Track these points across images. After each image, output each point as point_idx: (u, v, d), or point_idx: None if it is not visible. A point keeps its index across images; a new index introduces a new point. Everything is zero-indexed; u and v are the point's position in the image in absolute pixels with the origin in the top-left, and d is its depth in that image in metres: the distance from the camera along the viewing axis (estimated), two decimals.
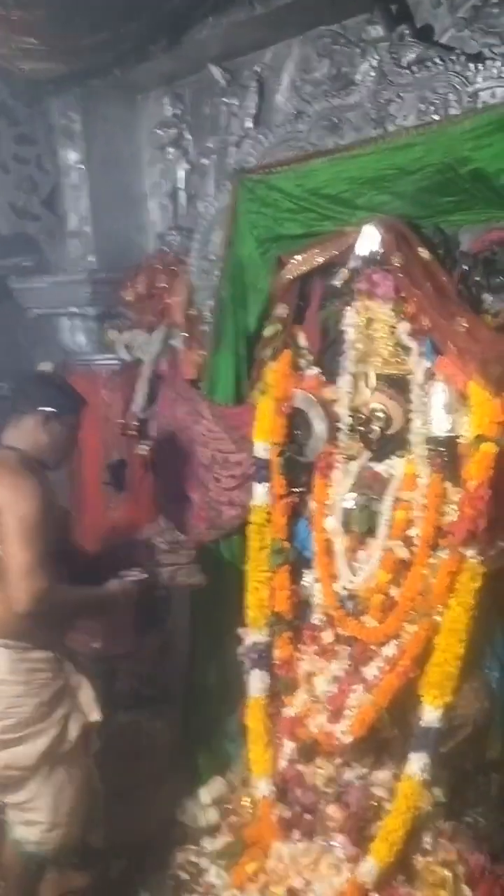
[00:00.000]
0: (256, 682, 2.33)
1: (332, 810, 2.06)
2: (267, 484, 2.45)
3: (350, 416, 2.31)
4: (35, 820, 2.12)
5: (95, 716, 2.17)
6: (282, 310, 2.52)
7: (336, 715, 2.09)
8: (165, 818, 2.45)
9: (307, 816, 2.11)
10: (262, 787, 2.23)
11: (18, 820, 2.15)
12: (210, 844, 2.32)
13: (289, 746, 2.22)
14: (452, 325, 2.04)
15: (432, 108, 2.15)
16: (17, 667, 2.07)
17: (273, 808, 2.18)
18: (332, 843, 2.05)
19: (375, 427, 2.22)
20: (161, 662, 2.77)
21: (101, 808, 2.24)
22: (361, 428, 2.26)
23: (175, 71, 2.93)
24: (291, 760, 2.20)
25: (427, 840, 1.99)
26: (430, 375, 2.14)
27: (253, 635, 2.36)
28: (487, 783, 2.08)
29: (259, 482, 2.46)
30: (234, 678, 2.42)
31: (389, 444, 2.23)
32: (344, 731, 2.05)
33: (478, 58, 2.12)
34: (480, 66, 2.07)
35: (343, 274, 2.31)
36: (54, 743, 2.10)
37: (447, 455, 2.10)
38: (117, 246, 3.16)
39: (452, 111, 2.11)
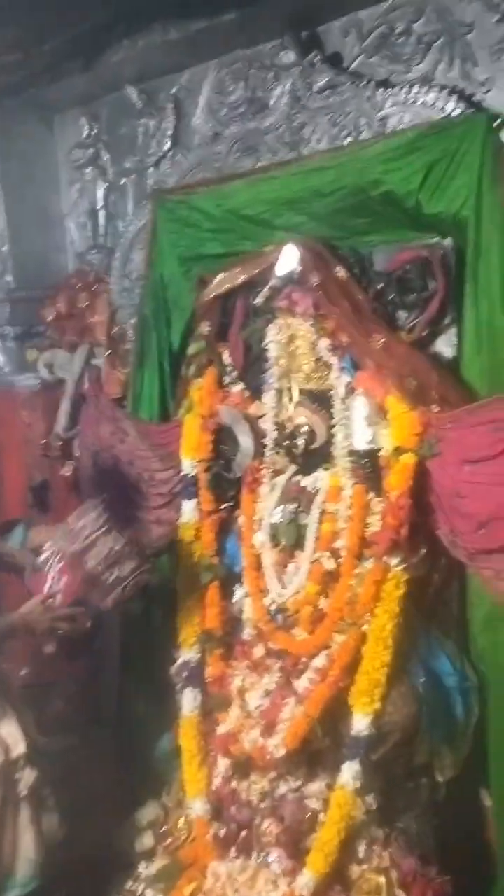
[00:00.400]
0: (189, 701, 2.31)
1: (268, 825, 2.06)
2: (195, 501, 2.45)
3: (275, 431, 2.35)
4: None
5: (20, 748, 2.10)
6: (205, 327, 2.55)
7: (269, 729, 2.10)
8: (101, 845, 2.40)
9: (243, 833, 2.11)
10: (197, 807, 2.21)
11: None
12: (146, 869, 2.28)
13: (223, 764, 2.21)
14: (370, 341, 2.10)
15: (344, 132, 2.24)
16: None
17: (208, 827, 2.17)
18: (268, 858, 2.05)
19: (300, 441, 2.26)
20: (92, 686, 2.72)
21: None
22: (287, 442, 2.30)
23: (91, 91, 2.93)
24: (226, 778, 2.20)
25: (361, 848, 2.01)
26: (350, 390, 2.19)
27: (184, 654, 2.35)
28: (417, 788, 2.12)
29: (187, 499, 2.47)
30: (167, 698, 2.41)
31: (314, 457, 2.27)
32: (277, 745, 2.05)
33: (385, 84, 2.21)
34: (388, 92, 2.16)
35: (264, 292, 2.35)
36: None
37: (369, 467, 2.15)
38: (36, 265, 3.13)
39: (363, 135, 2.20)
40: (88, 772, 2.41)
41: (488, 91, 2.09)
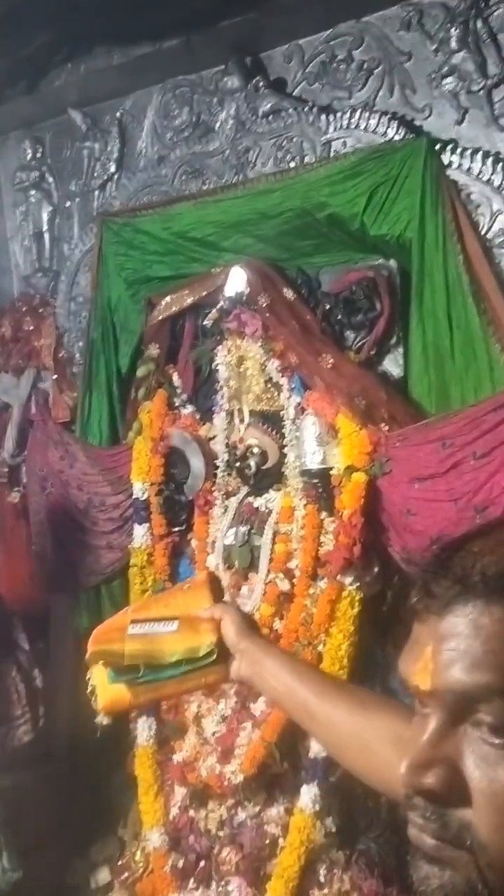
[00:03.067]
0: (144, 730, 2.27)
1: (227, 853, 2.02)
2: (146, 525, 2.42)
3: (226, 452, 2.34)
4: None
5: None
6: (154, 350, 2.53)
7: (226, 755, 2.07)
8: (54, 883, 2.32)
9: (202, 863, 2.07)
10: (154, 839, 2.16)
11: None
12: None
13: (179, 793, 2.17)
14: (319, 361, 2.11)
15: (289, 155, 2.26)
16: None
17: (166, 858, 2.12)
18: (228, 887, 2.01)
19: (252, 462, 2.25)
20: (43, 718, 2.65)
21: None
22: (238, 464, 2.29)
23: (34, 114, 2.92)
24: (183, 807, 2.16)
25: (322, 872, 1.99)
26: (300, 410, 2.20)
27: None
28: (377, 807, 2.11)
29: (138, 523, 2.44)
30: (121, 728, 2.35)
31: (266, 478, 2.27)
32: (234, 771, 2.03)
33: (328, 109, 2.25)
34: (331, 117, 2.19)
35: (213, 314, 2.35)
36: None
37: (321, 486, 2.16)
38: None
39: (308, 159, 2.22)
40: (40, 807, 2.34)
41: (428, 117, 2.14)
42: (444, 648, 0.68)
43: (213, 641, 1.25)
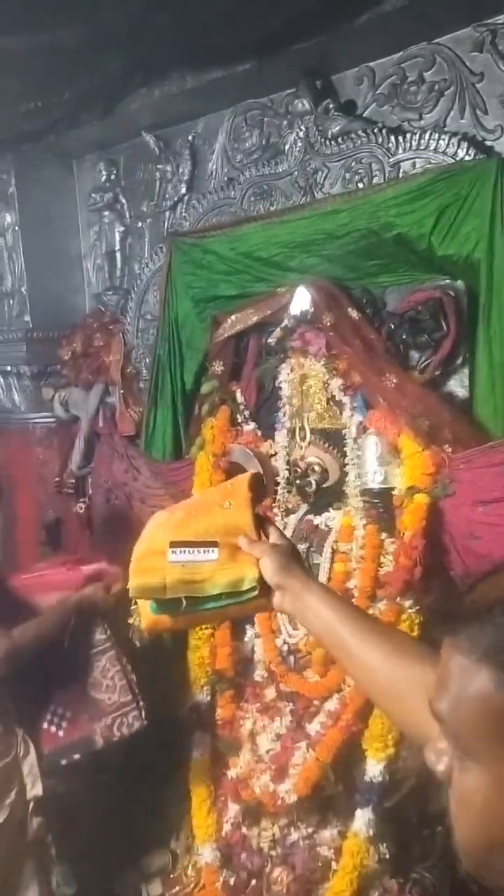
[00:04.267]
0: (199, 744, 2.28)
1: (278, 873, 2.01)
2: None
3: (287, 469, 2.35)
4: None
5: (37, 790, 2.06)
6: (218, 367, 2.57)
7: (280, 774, 2.06)
8: (105, 893, 2.34)
9: (253, 882, 2.06)
10: (207, 854, 2.17)
11: None
12: None
13: (233, 809, 2.17)
14: (382, 380, 2.11)
15: (357, 176, 2.27)
16: None
17: (218, 874, 2.12)
18: None
19: (312, 480, 2.26)
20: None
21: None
22: (298, 481, 2.29)
23: (109, 138, 3.01)
24: (235, 824, 2.16)
25: None
26: (362, 429, 2.19)
27: (194, 695, 2.33)
28: (432, 836, 2.06)
29: None
30: (176, 741, 2.37)
31: (326, 496, 2.27)
32: (288, 791, 2.02)
33: (398, 131, 2.25)
34: (400, 139, 2.20)
35: (277, 332, 2.37)
36: (9, 821, 1.99)
37: (382, 507, 2.15)
38: (53, 306, 3.18)
39: (376, 180, 2.23)
40: (92, 816, 2.37)
41: (499, 138, 2.12)
42: (447, 681, 0.73)
43: (255, 577, 1.23)
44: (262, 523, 1.31)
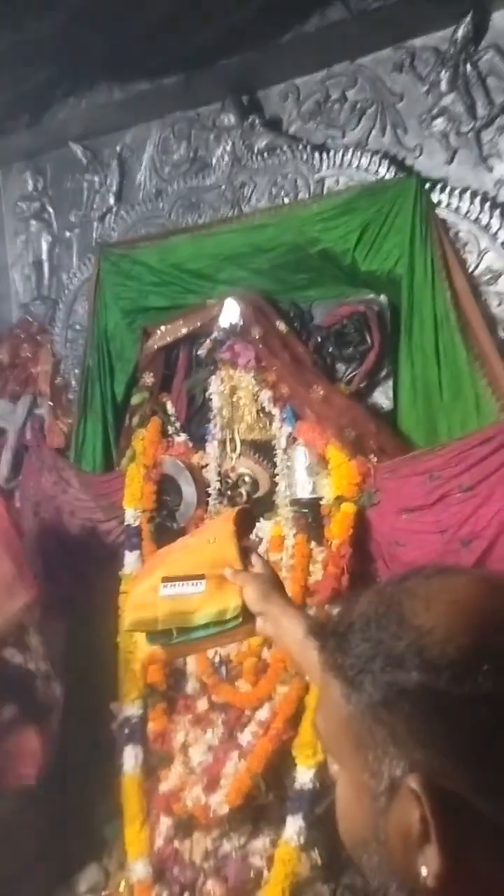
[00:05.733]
0: (130, 759, 2.26)
1: (211, 886, 2.01)
2: (137, 551, 2.43)
3: (218, 480, 2.36)
4: None
5: None
6: (149, 378, 2.57)
7: (212, 785, 2.06)
8: None
9: (186, 895, 2.05)
10: (139, 870, 2.14)
11: None
12: None
13: (165, 823, 2.16)
14: (310, 392, 2.15)
15: (283, 191, 2.31)
16: None
17: (150, 890, 2.11)
18: None
19: (243, 491, 2.28)
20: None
21: None
22: (230, 492, 2.31)
23: (37, 147, 2.98)
24: (168, 838, 2.14)
25: None
26: (291, 440, 2.22)
27: (126, 709, 2.31)
28: None
29: (129, 550, 2.45)
30: (108, 755, 2.35)
31: (257, 507, 2.29)
32: (220, 802, 2.02)
33: (322, 147, 2.30)
34: (325, 155, 2.25)
35: (207, 344, 2.38)
36: None
37: (311, 516, 2.18)
38: None
39: (301, 195, 2.27)
40: (24, 836, 2.32)
41: (418, 156, 2.19)
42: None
43: (238, 605, 1.32)
44: (247, 554, 1.41)
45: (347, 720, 0.70)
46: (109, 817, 2.34)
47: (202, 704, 2.23)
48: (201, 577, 1.37)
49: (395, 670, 0.66)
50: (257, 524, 2.28)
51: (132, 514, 2.46)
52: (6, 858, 2.23)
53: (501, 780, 0.64)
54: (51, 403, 2.85)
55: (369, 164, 2.16)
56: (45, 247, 3.07)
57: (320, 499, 2.16)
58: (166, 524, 2.45)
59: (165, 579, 1.40)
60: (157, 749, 2.25)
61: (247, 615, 1.33)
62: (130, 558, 2.44)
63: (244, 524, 1.51)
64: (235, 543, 1.42)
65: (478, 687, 0.63)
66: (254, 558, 1.41)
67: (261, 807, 2.06)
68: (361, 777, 0.69)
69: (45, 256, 3.08)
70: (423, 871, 0.64)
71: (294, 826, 1.96)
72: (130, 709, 2.30)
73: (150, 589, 1.41)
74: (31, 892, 2.30)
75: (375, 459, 2.06)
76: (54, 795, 2.53)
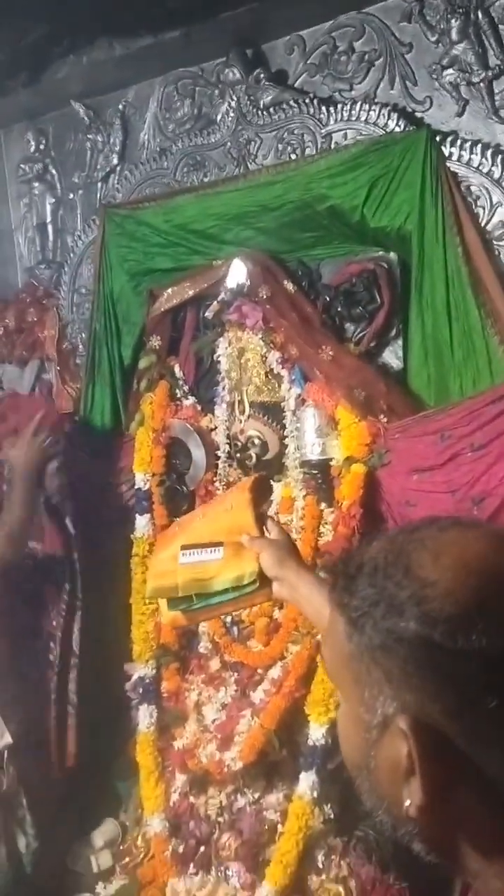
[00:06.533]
0: (145, 717, 2.29)
1: (226, 839, 2.05)
2: (148, 515, 2.44)
3: (227, 443, 2.36)
4: None
5: (6, 739, 2.17)
6: (156, 341, 2.55)
7: (226, 742, 2.10)
8: (57, 867, 2.35)
9: (202, 849, 2.10)
10: (155, 824, 2.19)
11: None
12: (105, 889, 2.25)
13: (180, 779, 2.20)
14: (318, 353, 2.13)
15: (289, 147, 2.26)
16: None
17: (167, 844, 2.15)
18: (227, 872, 2.04)
19: (252, 453, 2.27)
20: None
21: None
22: (239, 455, 2.31)
23: (37, 107, 2.92)
24: (183, 793, 2.18)
25: (320, 858, 2.01)
26: (300, 402, 2.21)
27: (139, 669, 2.34)
28: None
29: (140, 513, 2.46)
30: (122, 714, 2.38)
31: (266, 469, 2.28)
32: (234, 758, 2.05)
33: (329, 101, 2.25)
34: (332, 109, 2.19)
35: (214, 306, 2.36)
36: None
37: (321, 478, 2.17)
38: None
39: (308, 151, 2.23)
40: (42, 793, 2.37)
41: (428, 109, 2.14)
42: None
43: (255, 570, 1.37)
44: (263, 521, 1.45)
45: (348, 657, 0.74)
46: (125, 774, 2.39)
47: (215, 664, 2.25)
48: (219, 544, 1.41)
49: (395, 618, 0.69)
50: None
51: (142, 478, 2.46)
52: (46, 795, 2.30)
53: (484, 730, 0.67)
54: (58, 368, 2.84)
55: (378, 118, 2.11)
56: (48, 209, 3.03)
57: (330, 460, 2.15)
58: (176, 487, 2.45)
59: (184, 547, 1.45)
60: (171, 707, 2.28)
61: (263, 580, 1.37)
62: (141, 522, 2.45)
63: (260, 492, 1.55)
64: (252, 511, 1.46)
65: (470, 643, 0.66)
66: (269, 525, 1.45)
67: (274, 763, 2.10)
68: (358, 710, 0.74)
69: (49, 219, 3.04)
70: (407, 802, 0.69)
71: (307, 781, 1.99)
72: (144, 669, 2.33)
73: (171, 557, 1.46)
74: (49, 848, 2.36)
75: (386, 420, 2.05)
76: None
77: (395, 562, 0.72)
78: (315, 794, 1.99)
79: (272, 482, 2.25)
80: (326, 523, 2.14)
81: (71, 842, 2.36)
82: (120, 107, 2.76)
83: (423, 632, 0.67)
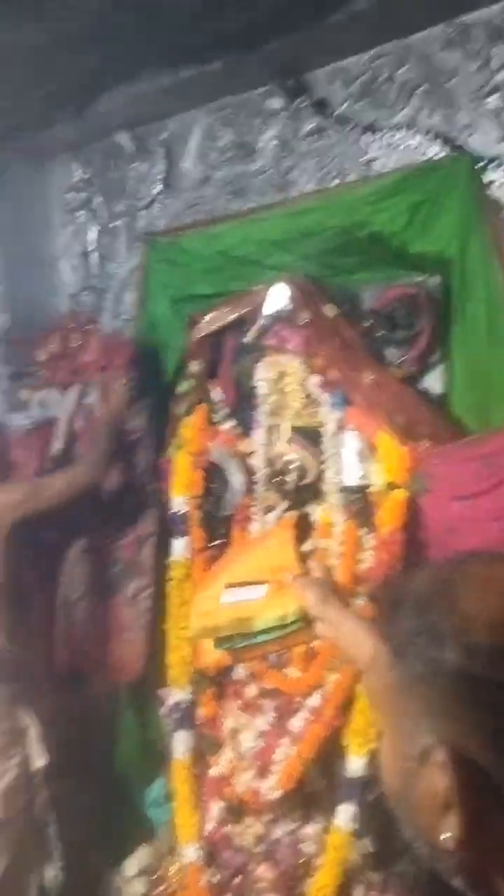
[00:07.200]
0: (180, 743, 2.27)
1: (262, 870, 2.02)
2: (185, 538, 2.44)
3: (266, 467, 2.35)
4: None
5: (42, 760, 2.20)
6: (195, 366, 2.56)
7: (263, 771, 2.07)
8: (91, 893, 2.34)
9: (237, 879, 2.06)
10: (190, 853, 2.16)
11: None
12: None
13: (216, 807, 2.17)
14: (360, 377, 2.12)
15: (330, 174, 2.29)
16: None
17: (201, 873, 2.12)
18: None
19: (290, 478, 2.26)
20: (82, 729, 2.67)
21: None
22: (277, 479, 2.30)
23: (82, 137, 2.99)
24: (219, 822, 2.15)
25: (357, 893, 1.96)
26: (340, 426, 2.20)
27: (175, 694, 2.32)
28: None
29: (177, 537, 2.46)
30: (157, 741, 2.37)
31: (305, 493, 2.27)
32: (271, 787, 2.02)
33: (371, 128, 2.27)
34: (373, 137, 2.21)
35: (254, 331, 2.37)
36: (14, 787, 2.12)
37: (360, 503, 2.15)
38: (29, 306, 3.15)
39: (349, 177, 2.24)
40: (79, 816, 2.36)
41: (470, 135, 2.14)
42: None
43: (297, 609, 1.35)
44: (304, 560, 1.48)
45: (390, 686, 0.75)
46: (160, 801, 2.37)
47: (251, 691, 2.23)
48: (262, 582, 1.43)
49: (437, 649, 0.70)
50: (306, 510, 2.27)
51: (180, 502, 2.46)
52: (74, 825, 2.32)
53: None
54: (99, 393, 2.86)
55: (419, 144, 2.13)
56: (92, 237, 3.09)
57: (370, 486, 2.13)
58: (214, 512, 2.45)
59: (228, 586, 1.47)
60: (207, 734, 2.26)
61: (306, 619, 1.36)
62: (179, 545, 2.45)
63: (301, 530, 1.55)
64: (293, 549, 1.48)
65: None
66: (311, 563, 1.47)
67: (312, 793, 2.06)
68: (398, 739, 0.74)
69: (92, 247, 3.10)
70: (445, 834, 0.69)
71: (346, 813, 1.95)
72: (180, 694, 2.31)
73: (213, 597, 1.48)
74: (82, 875, 2.35)
75: (427, 445, 2.03)
76: (106, 779, 2.57)
77: (439, 593, 0.73)
78: (354, 827, 1.95)
79: (310, 506, 2.26)
80: (366, 549, 2.11)
81: (102, 870, 2.35)
82: (163, 136, 2.81)
83: (464, 663, 0.68)
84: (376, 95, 2.30)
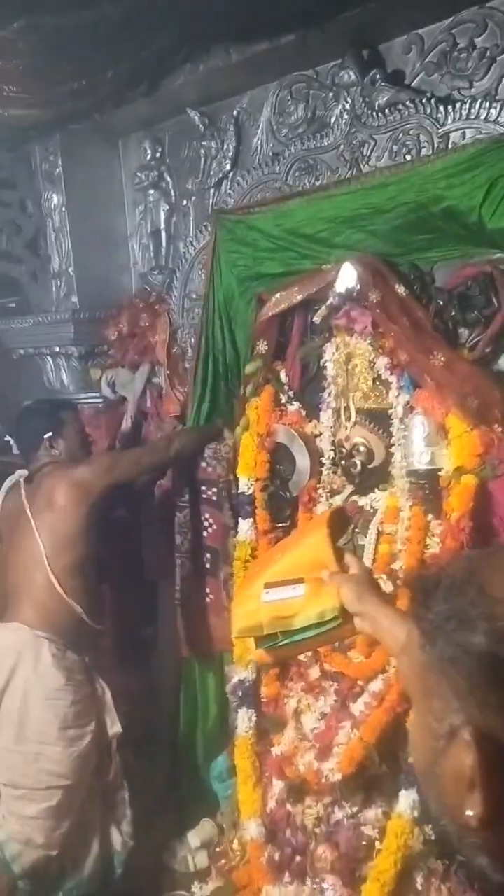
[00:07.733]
0: (244, 721, 2.30)
1: (322, 851, 2.03)
2: (251, 519, 2.45)
3: (332, 450, 2.33)
4: (33, 839, 2.13)
5: (117, 727, 2.29)
6: (263, 346, 2.55)
7: (324, 752, 2.07)
8: (153, 863, 2.40)
9: (297, 858, 2.08)
10: (252, 829, 2.19)
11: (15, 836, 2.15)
12: (200, 889, 2.28)
13: (277, 786, 2.19)
14: (430, 359, 2.06)
15: (405, 148, 2.21)
16: (58, 661, 2.24)
17: (263, 850, 2.15)
18: (323, 884, 2.02)
19: (357, 461, 2.23)
20: (148, 702, 2.73)
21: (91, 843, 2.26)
22: (344, 462, 2.27)
23: (154, 115, 2.99)
24: (280, 800, 2.17)
25: (419, 880, 1.95)
26: (409, 409, 2.16)
27: (239, 673, 2.34)
28: None
29: (243, 518, 2.46)
30: (222, 717, 2.40)
31: (371, 477, 2.24)
32: (332, 769, 2.02)
33: (447, 100, 2.18)
34: (450, 109, 2.13)
35: (322, 311, 2.33)
36: (86, 752, 2.21)
37: (428, 488, 2.11)
38: (100, 286, 3.19)
39: (424, 151, 2.17)
40: (141, 789, 2.42)
41: None
42: None
43: (336, 606, 1.36)
44: (342, 556, 1.45)
45: (421, 667, 0.79)
46: (223, 777, 2.41)
47: (314, 672, 2.23)
48: (300, 580, 1.43)
49: (466, 633, 0.73)
50: (372, 495, 2.24)
51: (246, 483, 2.47)
52: (147, 791, 2.40)
53: None
54: (167, 372, 2.89)
55: (499, 116, 2.03)
56: (163, 216, 3.10)
57: (439, 470, 2.09)
58: (279, 493, 2.44)
59: (267, 585, 1.47)
60: (270, 713, 2.27)
61: (346, 616, 1.36)
62: (244, 526, 2.46)
63: (338, 526, 1.56)
64: (331, 546, 1.46)
65: None
66: (348, 559, 1.44)
67: (373, 777, 2.05)
68: (427, 719, 0.77)
69: (163, 225, 3.11)
70: (469, 812, 0.72)
71: (408, 799, 1.94)
72: (243, 673, 2.34)
73: (254, 596, 1.49)
74: (144, 846, 2.41)
75: (500, 429, 1.97)
76: (171, 753, 2.62)
77: (469, 580, 0.77)
78: (415, 814, 1.93)
79: (377, 490, 2.23)
80: (434, 535, 2.07)
81: (167, 840, 2.40)
82: (234, 113, 2.78)
83: (492, 647, 0.71)
84: (454, 65, 2.21)
